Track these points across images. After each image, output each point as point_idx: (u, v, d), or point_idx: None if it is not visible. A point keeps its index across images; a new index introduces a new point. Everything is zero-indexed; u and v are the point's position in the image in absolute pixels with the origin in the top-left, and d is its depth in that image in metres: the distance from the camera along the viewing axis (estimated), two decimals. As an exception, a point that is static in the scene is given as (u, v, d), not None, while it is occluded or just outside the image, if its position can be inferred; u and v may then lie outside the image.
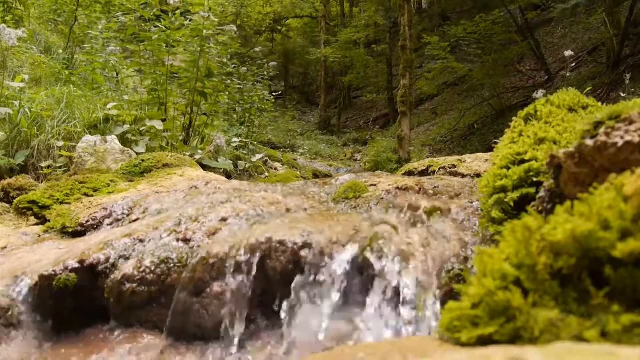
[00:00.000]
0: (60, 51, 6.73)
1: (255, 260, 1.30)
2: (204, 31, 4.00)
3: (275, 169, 6.09)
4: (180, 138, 4.12)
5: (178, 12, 4.01)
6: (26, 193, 2.27)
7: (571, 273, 0.60)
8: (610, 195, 0.61)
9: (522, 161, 1.15)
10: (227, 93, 5.21)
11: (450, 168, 2.46)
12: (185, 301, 1.32)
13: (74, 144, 3.15)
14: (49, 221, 2.05)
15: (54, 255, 1.55)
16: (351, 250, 1.25)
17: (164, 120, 3.87)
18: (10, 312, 1.37)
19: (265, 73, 6.15)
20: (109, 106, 3.75)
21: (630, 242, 0.55)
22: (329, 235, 1.31)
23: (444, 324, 0.67)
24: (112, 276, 1.41)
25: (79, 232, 1.92)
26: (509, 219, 1.09)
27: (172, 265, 1.39)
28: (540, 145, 1.18)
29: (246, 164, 4.96)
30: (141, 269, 1.38)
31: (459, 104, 14.43)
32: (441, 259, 1.22)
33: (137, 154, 3.11)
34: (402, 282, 1.16)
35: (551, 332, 0.56)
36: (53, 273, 1.40)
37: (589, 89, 1.77)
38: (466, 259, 1.23)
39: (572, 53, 6.57)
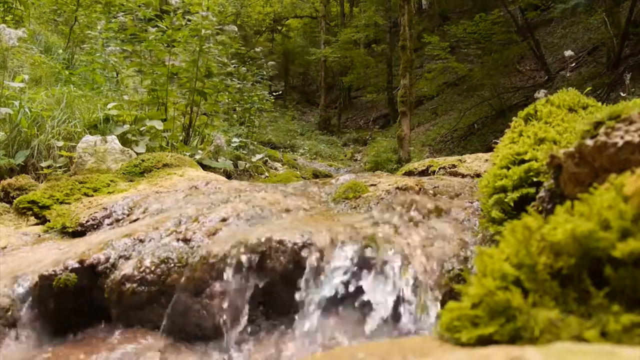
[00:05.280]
0: (60, 51, 6.73)
1: (255, 260, 1.30)
2: (203, 31, 4.00)
3: (275, 169, 6.10)
4: (180, 138, 4.12)
5: (179, 12, 4.01)
6: (26, 193, 2.27)
7: (571, 273, 0.60)
8: (610, 195, 0.61)
9: (522, 161, 1.15)
10: (227, 93, 5.21)
11: (450, 168, 2.46)
12: (185, 301, 1.32)
13: (74, 144, 3.16)
14: (49, 221, 2.05)
15: (54, 255, 1.55)
16: (351, 251, 1.25)
17: (164, 120, 3.87)
18: (10, 312, 1.37)
19: (265, 73, 6.15)
20: (109, 106, 3.75)
21: (630, 242, 0.55)
22: (329, 236, 1.31)
23: (444, 324, 0.67)
24: (112, 276, 1.41)
25: (79, 232, 1.92)
26: (509, 219, 1.09)
27: (172, 265, 1.39)
28: (540, 145, 1.18)
29: (246, 164, 4.96)
30: (141, 269, 1.38)
31: (459, 104, 14.43)
32: (441, 259, 1.22)
33: (137, 154, 3.11)
34: (402, 282, 1.16)
35: (551, 332, 0.56)
36: (53, 273, 1.40)
37: (589, 89, 1.77)
38: (466, 259, 1.23)
39: (572, 53, 6.57)
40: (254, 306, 1.31)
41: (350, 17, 22.12)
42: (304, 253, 1.28)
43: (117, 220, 1.91)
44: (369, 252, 1.24)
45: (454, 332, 0.65)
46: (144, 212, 1.88)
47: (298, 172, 5.80)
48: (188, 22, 4.08)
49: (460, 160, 2.53)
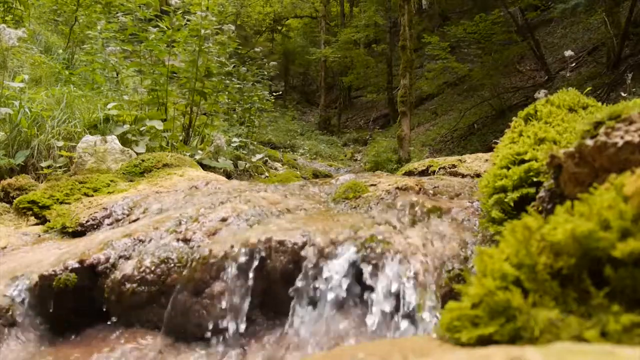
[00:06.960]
0: (60, 51, 6.73)
1: (255, 260, 1.31)
2: (202, 31, 4.00)
3: (275, 169, 6.10)
4: (180, 138, 4.12)
5: (179, 12, 4.01)
6: (26, 193, 2.27)
7: (571, 273, 0.60)
8: (610, 195, 0.61)
9: (522, 161, 1.15)
10: (226, 93, 5.21)
11: (450, 168, 2.46)
12: (185, 301, 1.32)
13: (74, 144, 3.15)
14: (49, 221, 2.05)
15: (54, 255, 1.55)
16: (351, 251, 1.25)
17: (164, 120, 3.87)
18: (10, 312, 1.37)
19: (265, 73, 6.15)
20: (109, 106, 3.75)
21: (630, 242, 0.55)
22: (329, 236, 1.31)
23: (443, 324, 0.67)
24: (112, 276, 1.41)
25: (79, 232, 1.92)
26: (509, 219, 1.09)
27: (172, 265, 1.39)
28: (540, 145, 1.18)
29: (246, 164, 4.96)
30: (141, 269, 1.38)
31: (459, 104, 14.43)
32: (441, 259, 1.22)
33: (137, 154, 3.11)
34: (402, 281, 1.16)
35: (551, 332, 0.56)
36: (53, 273, 1.40)
37: (589, 89, 1.77)
38: (466, 259, 1.23)
39: (572, 53, 6.56)
40: (254, 306, 1.31)
41: (350, 17, 22.13)
42: (304, 253, 1.28)
43: (117, 220, 1.91)
44: (368, 252, 1.24)
45: (454, 332, 0.65)
46: (144, 212, 1.88)
47: (298, 172, 5.80)
48: (188, 22, 4.08)
49: (460, 160, 2.53)
